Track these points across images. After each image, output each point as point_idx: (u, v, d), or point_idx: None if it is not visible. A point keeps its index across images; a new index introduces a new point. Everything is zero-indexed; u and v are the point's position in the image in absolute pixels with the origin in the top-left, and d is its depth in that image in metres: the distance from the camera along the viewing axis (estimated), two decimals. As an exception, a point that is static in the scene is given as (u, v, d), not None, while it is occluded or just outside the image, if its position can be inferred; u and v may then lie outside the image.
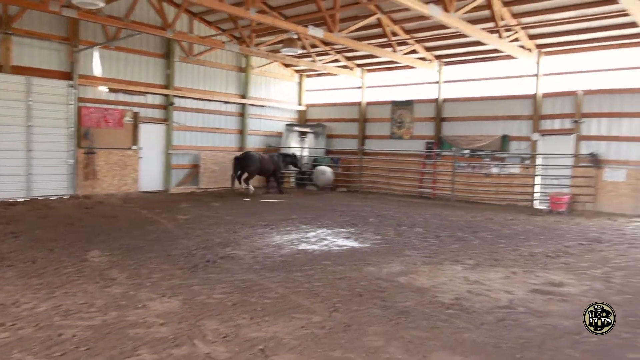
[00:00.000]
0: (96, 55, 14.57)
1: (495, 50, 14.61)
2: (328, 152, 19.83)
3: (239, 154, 16.52)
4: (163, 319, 4.57)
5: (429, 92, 17.46)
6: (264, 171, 16.29)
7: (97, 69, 14.62)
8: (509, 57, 14.83)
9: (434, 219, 11.82)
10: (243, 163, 15.74)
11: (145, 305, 4.94)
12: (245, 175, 15.85)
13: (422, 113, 17.57)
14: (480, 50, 15.38)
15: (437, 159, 16.91)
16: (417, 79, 17.92)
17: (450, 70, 17.10)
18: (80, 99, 14.21)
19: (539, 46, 14.61)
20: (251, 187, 16.02)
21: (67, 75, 13.92)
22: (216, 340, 4.12)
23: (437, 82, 17.16)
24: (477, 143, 16.05)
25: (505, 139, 15.57)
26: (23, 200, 12.88)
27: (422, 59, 16.62)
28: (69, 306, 4.85)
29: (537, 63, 14.80)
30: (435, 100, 17.14)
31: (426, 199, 16.57)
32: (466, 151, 16.31)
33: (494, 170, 15.60)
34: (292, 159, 17.39)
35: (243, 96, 18.63)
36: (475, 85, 16.56)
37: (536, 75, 14.90)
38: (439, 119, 17.04)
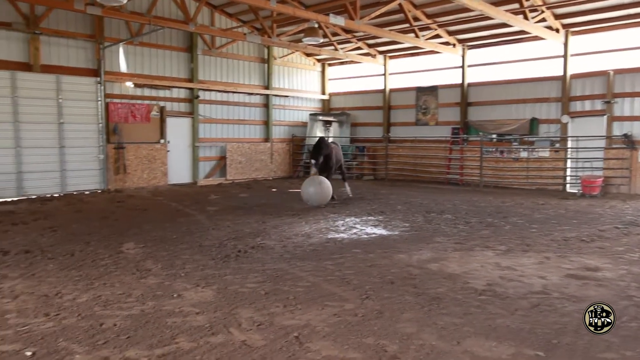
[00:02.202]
0: (121, 51, 14.81)
1: (521, 32, 14.28)
2: (353, 140, 19.79)
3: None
4: (198, 308, 4.67)
5: (454, 77, 17.19)
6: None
7: (122, 65, 14.87)
8: (535, 38, 14.47)
9: (463, 204, 11.70)
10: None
11: (180, 295, 5.05)
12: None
13: (447, 98, 17.34)
14: (505, 32, 15.06)
15: (463, 145, 16.69)
16: (441, 64, 17.66)
17: (475, 54, 16.79)
18: (108, 95, 14.48)
19: (566, 26, 14.20)
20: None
21: (94, 72, 14.19)
22: (251, 328, 4.20)
23: (461, 67, 16.87)
24: (504, 127, 15.76)
25: (534, 122, 15.23)
26: (58, 195, 13.27)
27: (446, 43, 16.35)
28: (108, 297, 5.00)
29: (565, 43, 14.39)
30: (461, 85, 16.87)
31: (454, 185, 16.40)
32: (493, 136, 16.04)
33: (523, 154, 15.32)
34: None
35: (266, 87, 18.69)
36: (501, 69, 16.22)
37: (564, 56, 14.50)
38: (464, 104, 16.78)
